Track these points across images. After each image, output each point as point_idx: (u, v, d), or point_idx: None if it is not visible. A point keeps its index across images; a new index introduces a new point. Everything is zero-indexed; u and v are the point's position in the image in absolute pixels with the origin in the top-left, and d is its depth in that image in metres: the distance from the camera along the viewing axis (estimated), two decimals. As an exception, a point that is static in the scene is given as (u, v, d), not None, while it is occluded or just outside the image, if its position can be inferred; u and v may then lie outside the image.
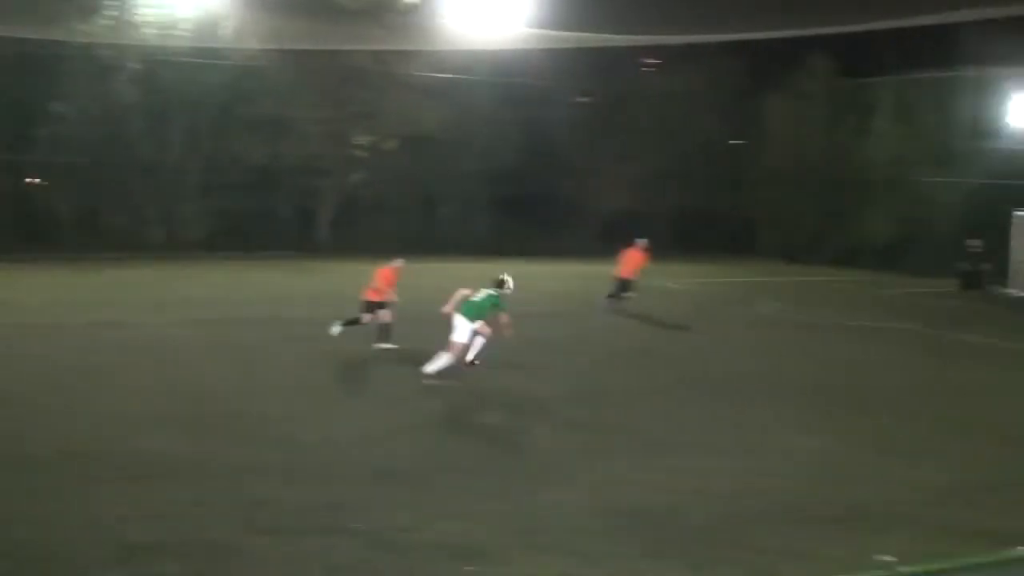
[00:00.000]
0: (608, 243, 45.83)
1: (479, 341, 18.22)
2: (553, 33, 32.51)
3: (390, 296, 20.30)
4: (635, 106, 47.16)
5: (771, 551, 10.21)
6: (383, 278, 20.39)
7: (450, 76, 41.66)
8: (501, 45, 35.48)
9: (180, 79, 37.89)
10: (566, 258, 41.67)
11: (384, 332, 20.16)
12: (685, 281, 35.45)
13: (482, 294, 17.66)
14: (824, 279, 39.16)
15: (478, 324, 17.55)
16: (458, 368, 17.59)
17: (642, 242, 27.61)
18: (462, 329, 17.31)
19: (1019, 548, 8.52)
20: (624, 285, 26.91)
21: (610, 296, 26.95)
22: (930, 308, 31.65)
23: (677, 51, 46.36)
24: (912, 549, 10.19)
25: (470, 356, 18.22)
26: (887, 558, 6.95)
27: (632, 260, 27.10)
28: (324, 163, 42.22)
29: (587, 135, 46.12)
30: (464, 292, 17.60)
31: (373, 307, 20.21)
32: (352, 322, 20.36)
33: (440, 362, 17.22)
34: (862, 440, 14.86)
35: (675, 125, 47.15)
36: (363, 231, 42.93)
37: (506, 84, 42.79)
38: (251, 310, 25.64)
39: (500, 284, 18.04)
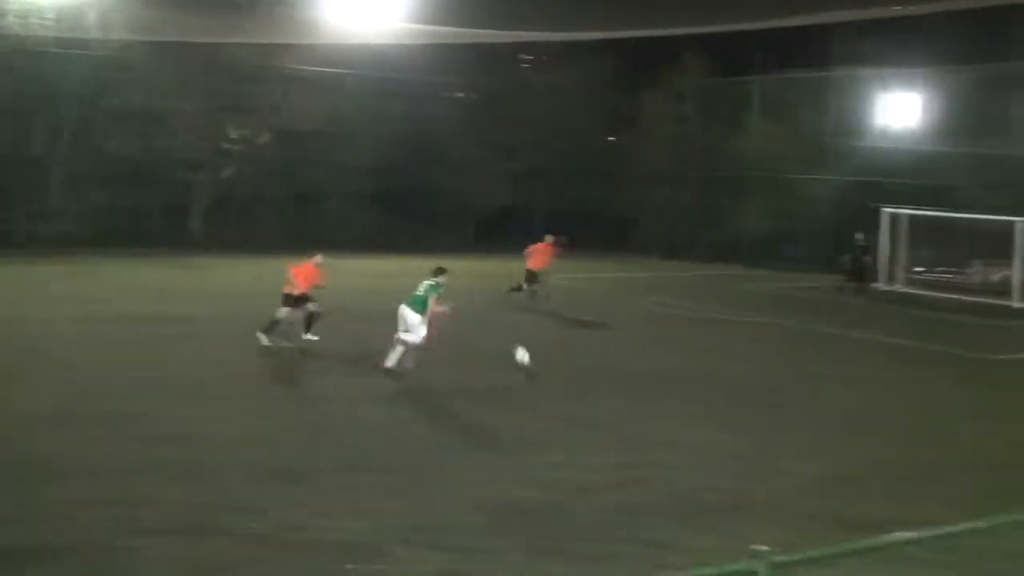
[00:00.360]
0: (488, 239, 45.94)
1: (401, 348, 18.15)
2: (429, 28, 32.39)
3: (307, 291, 20.27)
4: (514, 102, 47.23)
5: (654, 544, 10.33)
6: (301, 274, 20.38)
7: (328, 70, 41.24)
8: (377, 39, 35.21)
9: (44, 70, 36.74)
10: (447, 254, 41.57)
11: (309, 321, 20.24)
12: (564, 277, 35.61)
13: (423, 286, 18.30)
14: (701, 274, 39.74)
15: (421, 318, 17.93)
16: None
17: (551, 238, 28.12)
18: (411, 322, 17.84)
19: (892, 534, 8.67)
20: (532, 277, 27.08)
21: (512, 290, 27.16)
22: (806, 302, 32.33)
23: (556, 48, 46.71)
24: (789, 538, 10.36)
25: (390, 362, 18.09)
26: (763, 548, 7.00)
27: (542, 254, 27.46)
28: (197, 157, 41.39)
29: (467, 130, 46.05)
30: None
31: (295, 301, 20.19)
32: (309, 320, 20.33)
33: (397, 354, 17.84)
34: (741, 432, 15.12)
35: (554, 121, 47.38)
36: (238, 226, 42.26)
37: (385, 79, 42.49)
38: (124, 307, 25.01)
39: (438, 272, 18.61)
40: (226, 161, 42.68)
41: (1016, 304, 32.24)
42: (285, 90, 40.77)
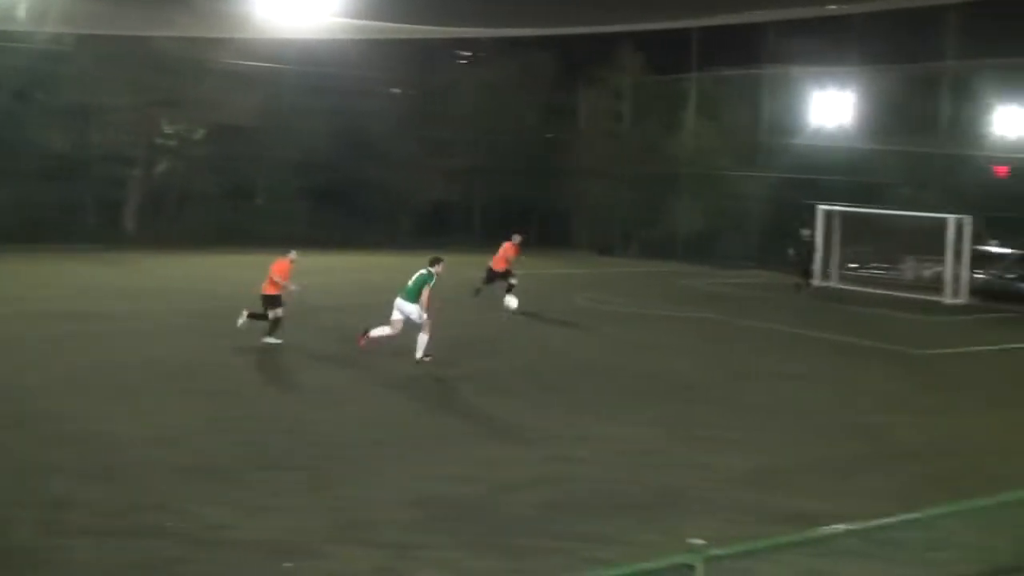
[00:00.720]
0: (424, 235, 45.71)
1: (423, 338, 18.83)
2: (364, 24, 32.14)
3: (288, 287, 20.28)
4: (451, 98, 47.11)
5: (587, 538, 10.31)
6: (279, 271, 20.30)
7: (262, 65, 40.82)
8: (311, 35, 34.89)
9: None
10: (383, 250, 41.40)
11: (274, 326, 20.05)
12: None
13: (415, 276, 19.12)
14: (637, 271, 39.89)
15: (415, 307, 18.76)
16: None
17: (518, 237, 28.07)
18: (405, 309, 18.80)
19: (828, 527, 8.74)
20: (491, 276, 27.11)
21: (478, 289, 27.07)
22: (740, 298, 32.53)
23: (493, 44, 46.64)
24: (723, 532, 10.40)
25: (419, 354, 18.79)
26: (698, 541, 7.02)
27: (505, 253, 27.40)
28: (130, 152, 40.82)
29: (403, 126, 45.80)
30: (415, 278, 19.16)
31: (271, 302, 20.14)
32: (260, 316, 20.17)
33: (423, 343, 18.70)
34: (673, 427, 15.18)
35: (491, 118, 47.33)
36: (171, 222, 41.75)
37: (320, 74, 42.14)
38: (54, 304, 24.61)
39: (434, 262, 19.27)
40: (159, 156, 42.18)
41: (947, 300, 32.74)
42: (219, 85, 40.27)
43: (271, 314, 20.11)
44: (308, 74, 42.08)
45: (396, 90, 48.04)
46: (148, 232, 40.52)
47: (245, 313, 20.34)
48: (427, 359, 18.84)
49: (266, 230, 41.70)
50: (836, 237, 36.87)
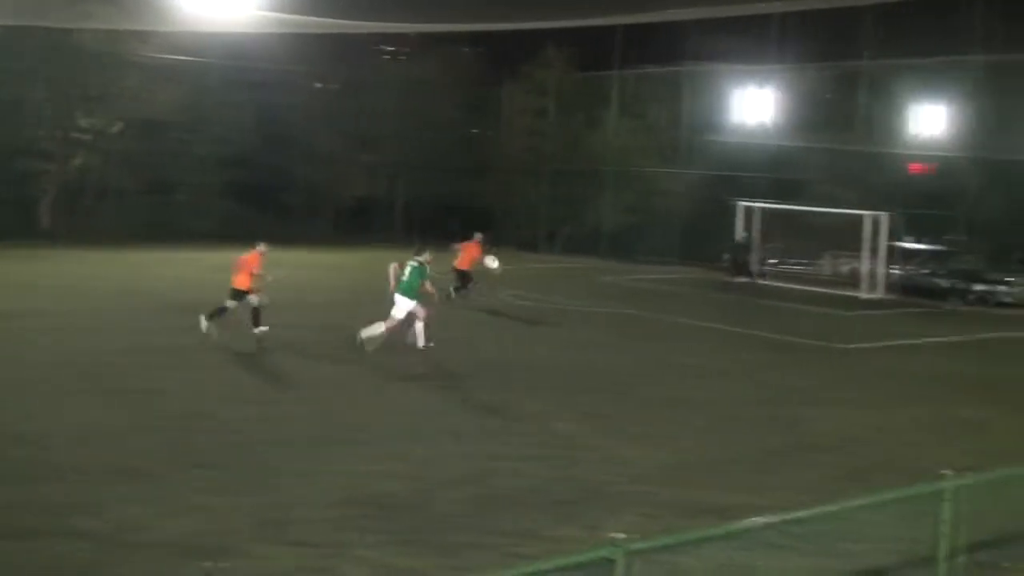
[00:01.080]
0: (347, 231, 45.52)
1: (420, 326, 19.80)
2: (286, 17, 31.84)
3: (259, 279, 20.40)
4: (374, 93, 46.91)
5: (511, 533, 10.34)
6: (249, 263, 20.45)
7: (182, 58, 40.31)
8: (233, 28, 34.47)
9: None
10: (306, 246, 41.09)
11: (256, 316, 20.24)
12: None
13: (408, 269, 19.72)
14: (560, 267, 40.06)
15: (415, 303, 19.70)
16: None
17: (480, 235, 27.85)
18: (402, 306, 19.59)
19: (744, 520, 8.85)
20: (463, 277, 26.81)
21: (457, 289, 26.72)
22: (662, 294, 32.80)
23: (418, 39, 46.49)
24: (644, 526, 10.50)
25: (421, 342, 19.77)
26: (619, 535, 7.08)
27: (469, 253, 27.09)
28: (45, 146, 40.08)
29: (326, 121, 45.54)
30: (394, 266, 19.97)
31: (240, 295, 20.31)
32: (220, 311, 20.36)
33: (375, 329, 19.34)
34: (595, 421, 15.28)
35: (415, 113, 47.22)
36: (89, 218, 41.08)
37: (242, 68, 41.70)
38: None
39: (420, 251, 20.05)
40: (76, 151, 41.43)
41: (864, 295, 33.32)
42: (138, 78, 39.73)
43: (230, 305, 20.38)
44: (231, 68, 41.66)
45: (320, 85, 47.71)
46: (64, 228, 39.82)
47: (203, 319, 20.31)
48: (430, 345, 19.76)
49: (187, 226, 41.28)
50: (756, 233, 37.34)
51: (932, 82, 37.52)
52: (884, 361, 22.18)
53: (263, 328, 20.26)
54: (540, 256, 43.92)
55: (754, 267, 36.67)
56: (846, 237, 35.58)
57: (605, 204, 44.90)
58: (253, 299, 20.31)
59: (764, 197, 38.27)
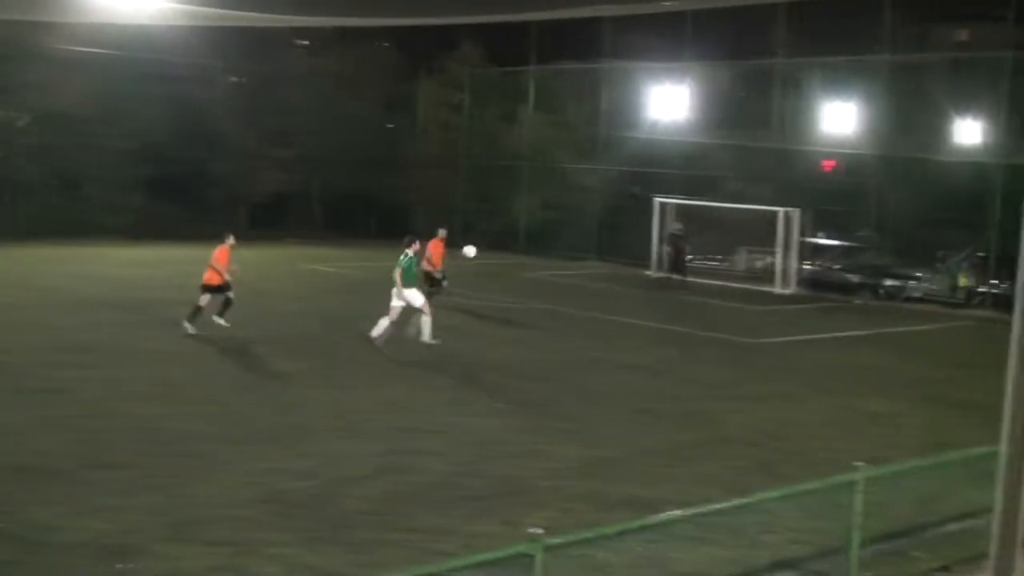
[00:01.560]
0: (262, 227, 44.90)
1: (426, 320, 20.38)
2: (198, 10, 31.33)
3: (228, 272, 20.95)
4: (289, 87, 46.38)
5: (428, 530, 10.31)
6: (222, 259, 20.96)
7: (91, 50, 39.46)
8: (143, 20, 33.83)
9: None
10: (217, 242, 40.55)
11: (225, 307, 20.85)
12: (338, 264, 35.30)
13: (401, 263, 20.09)
14: (478, 262, 39.85)
15: (416, 289, 20.33)
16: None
17: (443, 232, 27.08)
18: (405, 296, 20.02)
19: (662, 513, 8.92)
20: (432, 279, 25.96)
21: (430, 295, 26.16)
22: (580, 289, 32.90)
23: (332, 33, 46.07)
24: (561, 521, 10.52)
25: (426, 338, 20.33)
26: (537, 531, 7.09)
27: (435, 251, 26.10)
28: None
29: (239, 115, 44.91)
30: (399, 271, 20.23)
31: (214, 290, 20.78)
32: (196, 312, 20.64)
33: (427, 325, 20.23)
34: (510, 417, 15.30)
35: (330, 107, 46.81)
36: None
37: (152, 60, 40.88)
38: None
39: (409, 244, 20.48)
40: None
41: (777, 290, 33.75)
42: (45, 70, 38.83)
43: (204, 300, 20.72)
44: (143, 61, 40.80)
45: (234, 78, 47.02)
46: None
47: (186, 323, 20.51)
48: (436, 342, 20.24)
49: (97, 221, 40.46)
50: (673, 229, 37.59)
51: (842, 81, 38.07)
52: (796, 355, 22.49)
53: (223, 321, 20.70)
54: (458, 252, 43.72)
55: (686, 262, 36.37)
56: (760, 233, 36.01)
57: (523, 200, 44.88)
58: (230, 293, 20.94)
59: (680, 193, 38.57)
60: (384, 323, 20.19)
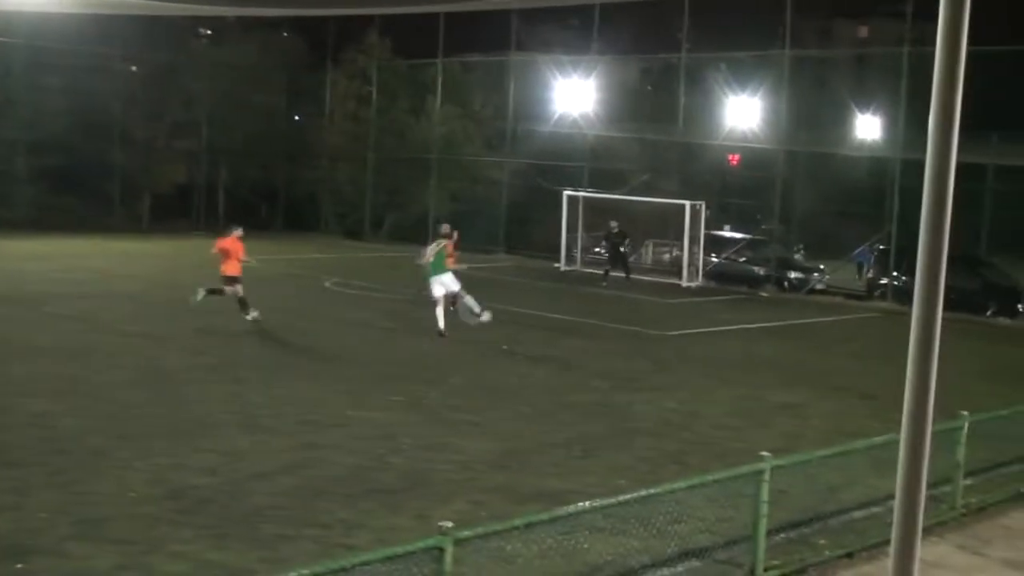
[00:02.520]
0: (165, 219, 44.18)
1: (469, 299, 22.04)
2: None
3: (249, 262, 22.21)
4: (192, 77, 45.60)
5: (336, 524, 10.21)
6: (238, 250, 21.93)
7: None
8: (35, 7, 32.95)
9: None
10: (124, 234, 39.85)
11: (243, 303, 21.71)
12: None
13: (435, 250, 21.81)
14: (384, 255, 39.77)
15: (448, 276, 21.79)
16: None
17: (446, 227, 25.91)
18: (443, 281, 21.63)
19: (570, 505, 8.93)
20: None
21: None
22: (490, 282, 32.81)
23: (236, 22, 45.39)
24: (471, 513, 10.50)
25: (477, 310, 21.96)
26: (447, 524, 7.06)
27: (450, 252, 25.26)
28: None
29: (139, 106, 44.01)
30: (430, 248, 22.08)
31: (232, 281, 21.74)
32: (243, 303, 21.66)
33: (474, 303, 21.98)
34: (415, 411, 15.21)
35: (234, 98, 46.19)
36: None
37: (46, 48, 39.82)
38: None
39: (441, 230, 22.85)
40: None
41: (683, 283, 34.09)
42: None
43: (231, 291, 21.75)
44: (38, 49, 39.83)
45: (135, 68, 46.00)
46: None
47: (247, 315, 21.55)
48: (487, 315, 21.99)
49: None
50: (580, 222, 37.79)
51: (746, 76, 38.57)
52: (702, 347, 22.73)
53: (255, 314, 21.65)
54: (366, 244, 43.54)
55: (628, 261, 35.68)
56: (666, 226, 36.35)
57: (431, 192, 44.70)
58: (239, 289, 21.77)
59: (588, 186, 38.77)
60: (439, 313, 21.40)
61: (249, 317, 21.51)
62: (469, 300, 22.05)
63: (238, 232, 22.35)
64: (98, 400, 14.93)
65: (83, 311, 22.15)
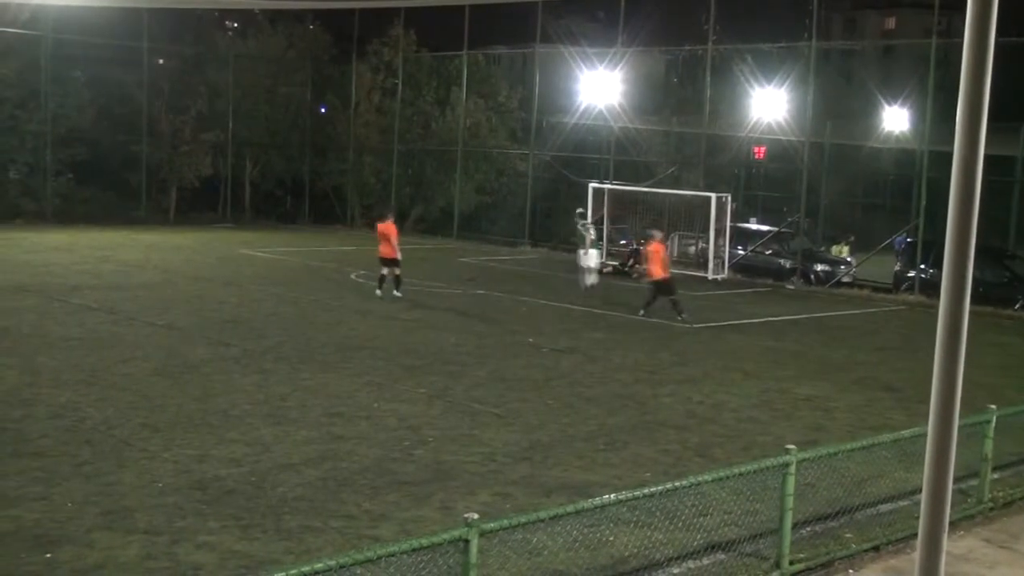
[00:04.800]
0: (192, 212, 44.37)
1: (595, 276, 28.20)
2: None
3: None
4: (219, 70, 45.80)
5: (361, 516, 10.22)
6: (393, 233, 24.78)
7: (10, 30, 38.60)
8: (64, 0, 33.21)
9: None
10: (149, 227, 40.05)
11: (399, 281, 25.02)
12: (269, 250, 34.96)
13: (580, 230, 28.62)
14: (411, 247, 39.73)
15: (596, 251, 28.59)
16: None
17: (658, 234, 26.14)
18: (591, 257, 28.28)
19: (598, 497, 8.92)
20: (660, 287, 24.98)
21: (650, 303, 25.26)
22: (517, 275, 32.84)
23: (263, 15, 45.57)
24: (497, 505, 10.51)
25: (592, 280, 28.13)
26: (472, 515, 7.06)
27: (656, 254, 25.04)
28: None
29: (169, 98, 44.20)
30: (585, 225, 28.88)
31: (389, 263, 24.78)
32: (382, 280, 24.97)
33: (591, 279, 27.99)
34: (446, 402, 15.22)
35: (261, 90, 46.34)
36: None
37: (78, 42, 40.14)
38: None
39: (582, 217, 29.37)
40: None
41: (709, 275, 33.95)
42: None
43: (388, 272, 24.88)
44: (64, 42, 40.04)
45: (161, 60, 46.25)
46: None
47: (382, 288, 24.87)
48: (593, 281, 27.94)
49: (15, 205, 39.64)
50: (606, 214, 37.66)
51: (773, 67, 38.37)
52: (728, 340, 22.63)
53: (397, 293, 24.76)
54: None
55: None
56: (692, 218, 36.19)
57: (456, 184, 44.73)
58: (397, 269, 24.83)
59: (613, 179, 38.67)
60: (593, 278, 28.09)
61: (398, 294, 24.72)
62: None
63: (391, 218, 25.40)
64: (124, 391, 15.00)
65: (109, 303, 22.27)
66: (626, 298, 27.73)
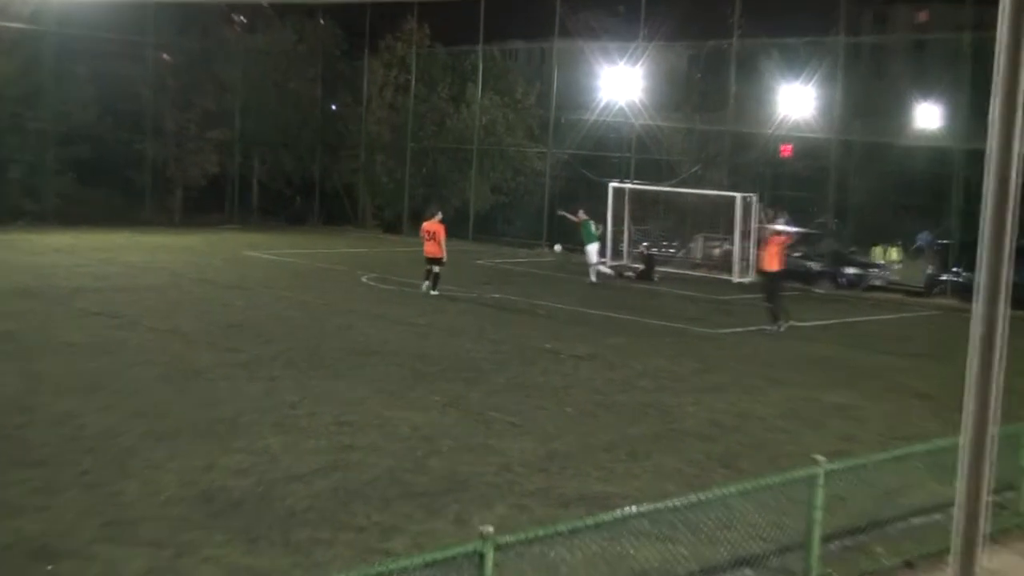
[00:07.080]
0: (197, 212, 43.93)
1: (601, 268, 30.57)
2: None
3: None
4: (226, 65, 45.26)
5: (372, 528, 9.94)
6: (439, 231, 25.61)
7: (11, 26, 38.26)
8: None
9: None
10: (154, 227, 39.86)
11: (436, 280, 25.72)
12: (277, 251, 34.71)
13: (585, 227, 30.92)
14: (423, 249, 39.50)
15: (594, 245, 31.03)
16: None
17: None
18: (591, 251, 30.84)
19: (617, 510, 8.60)
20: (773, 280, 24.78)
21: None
22: (529, 277, 32.62)
23: (272, 9, 45.19)
24: (513, 518, 10.18)
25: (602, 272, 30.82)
26: (488, 528, 6.76)
27: (772, 248, 24.66)
28: None
29: (175, 95, 43.67)
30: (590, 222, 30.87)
31: (433, 261, 25.48)
32: (428, 276, 25.71)
33: (600, 268, 30.22)
34: (461, 410, 14.89)
35: (270, 87, 46.00)
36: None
37: (81, 37, 39.60)
38: None
39: (581, 214, 31.00)
40: None
41: (735, 279, 33.43)
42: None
43: (431, 269, 25.55)
44: (68, 37, 39.60)
45: (166, 56, 45.54)
46: None
47: (425, 284, 25.72)
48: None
49: (16, 204, 39.34)
50: (626, 214, 37.30)
51: (800, 63, 37.93)
52: (754, 346, 22.22)
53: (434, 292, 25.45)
54: (404, 238, 43.15)
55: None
56: (718, 219, 35.75)
57: (472, 183, 44.30)
58: (435, 268, 25.44)
59: (633, 177, 38.30)
60: (600, 267, 30.77)
61: (434, 292, 25.38)
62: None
63: (440, 216, 26.05)
64: (128, 398, 14.67)
65: (112, 306, 22.02)
66: (643, 302, 27.41)
